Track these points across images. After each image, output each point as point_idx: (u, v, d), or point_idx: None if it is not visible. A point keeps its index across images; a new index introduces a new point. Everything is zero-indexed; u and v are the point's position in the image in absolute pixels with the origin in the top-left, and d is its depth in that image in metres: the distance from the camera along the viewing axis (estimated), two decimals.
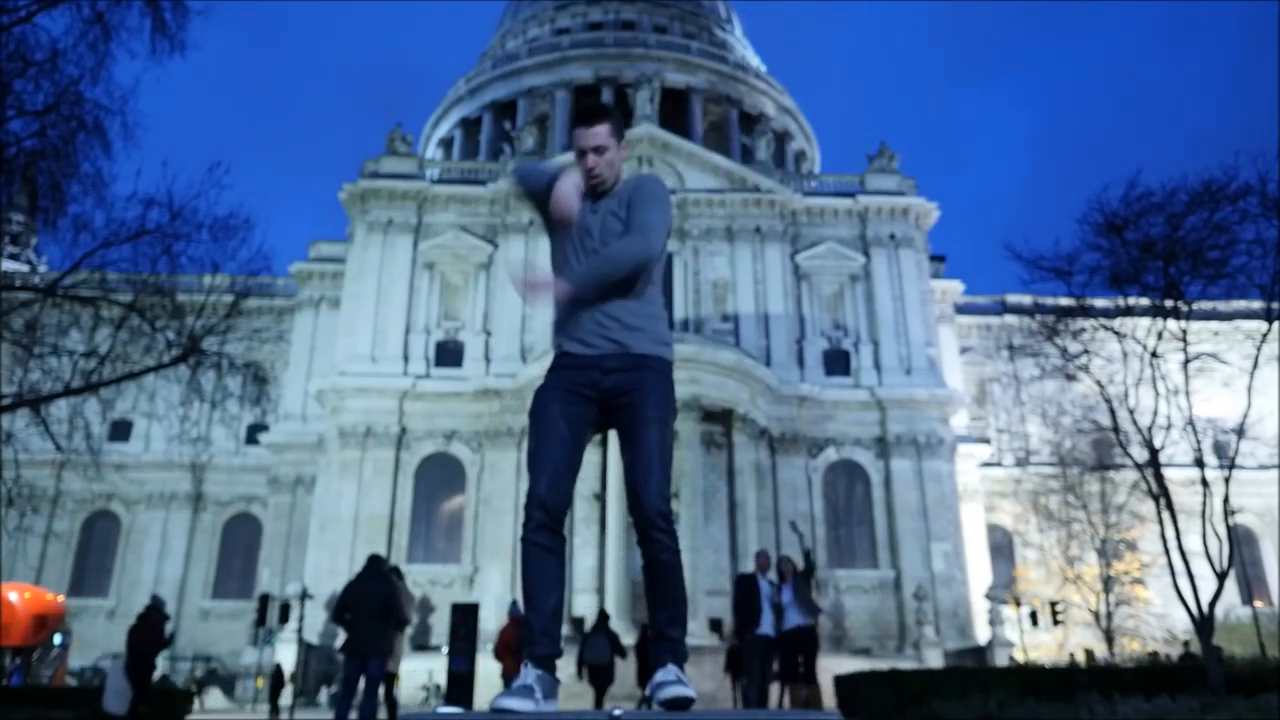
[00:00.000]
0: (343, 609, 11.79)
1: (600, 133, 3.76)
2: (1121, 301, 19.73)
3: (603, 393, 3.62)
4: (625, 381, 3.59)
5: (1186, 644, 31.29)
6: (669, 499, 3.55)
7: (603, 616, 19.08)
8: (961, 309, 56.23)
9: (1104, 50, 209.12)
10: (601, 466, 37.39)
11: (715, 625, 35.51)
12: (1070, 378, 21.36)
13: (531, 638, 3.46)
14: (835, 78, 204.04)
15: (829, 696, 17.64)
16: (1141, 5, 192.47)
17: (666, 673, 3.38)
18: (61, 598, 26.98)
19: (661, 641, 3.50)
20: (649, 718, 3.26)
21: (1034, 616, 39.52)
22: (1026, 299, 33.45)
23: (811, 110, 68.00)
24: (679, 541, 3.55)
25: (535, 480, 3.54)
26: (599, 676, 17.21)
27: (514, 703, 3.25)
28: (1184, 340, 17.96)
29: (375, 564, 12.22)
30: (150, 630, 15.11)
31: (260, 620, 33.90)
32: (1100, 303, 21.26)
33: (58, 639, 23.71)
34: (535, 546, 3.51)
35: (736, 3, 74.67)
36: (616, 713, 3.21)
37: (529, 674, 3.38)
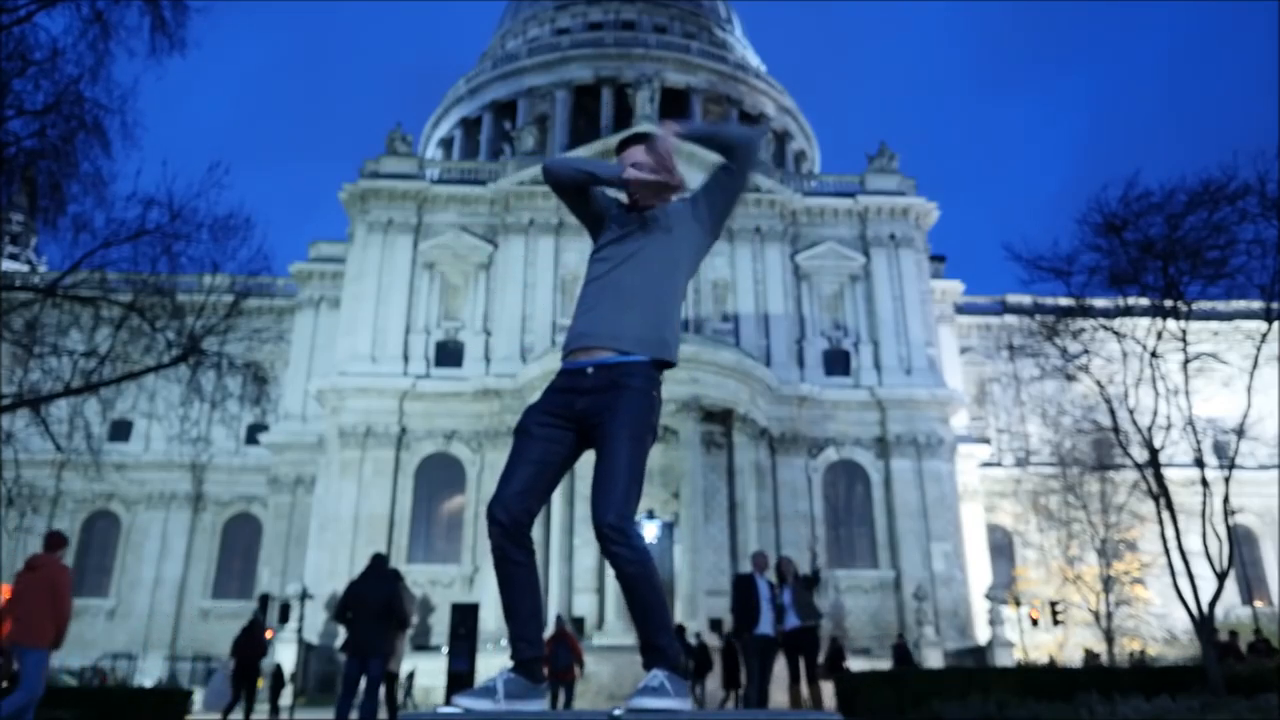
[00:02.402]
0: (344, 608, 11.81)
1: (636, 153, 3.83)
2: (1121, 301, 19.70)
3: (577, 416, 3.64)
4: (599, 403, 3.60)
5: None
6: (626, 513, 3.49)
7: (679, 630, 20.84)
8: (961, 309, 56.25)
9: (1132, 58, 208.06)
10: None
11: (715, 625, 35.51)
12: (1070, 378, 21.32)
13: (511, 643, 3.53)
14: (837, 78, 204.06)
15: (829, 696, 17.64)
16: (1181, 9, 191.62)
17: (651, 678, 3.36)
18: None
19: (650, 651, 3.49)
20: (648, 718, 3.26)
21: (1034, 620, 39.54)
22: (1026, 299, 33.48)
23: (812, 110, 68.07)
24: (641, 550, 3.48)
25: (493, 499, 3.58)
26: None
27: (470, 701, 3.32)
28: (1184, 340, 17.93)
29: (379, 563, 12.24)
30: (254, 642, 18.11)
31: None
32: (1100, 303, 21.23)
33: None
34: (500, 559, 3.57)
35: (736, 3, 74.71)
36: (616, 712, 3.22)
37: (497, 675, 3.43)
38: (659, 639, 3.48)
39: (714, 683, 22.55)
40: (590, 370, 3.65)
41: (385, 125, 78.92)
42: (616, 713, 3.21)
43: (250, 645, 18.07)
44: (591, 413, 3.61)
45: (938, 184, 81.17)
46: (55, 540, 10.39)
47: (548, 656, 17.95)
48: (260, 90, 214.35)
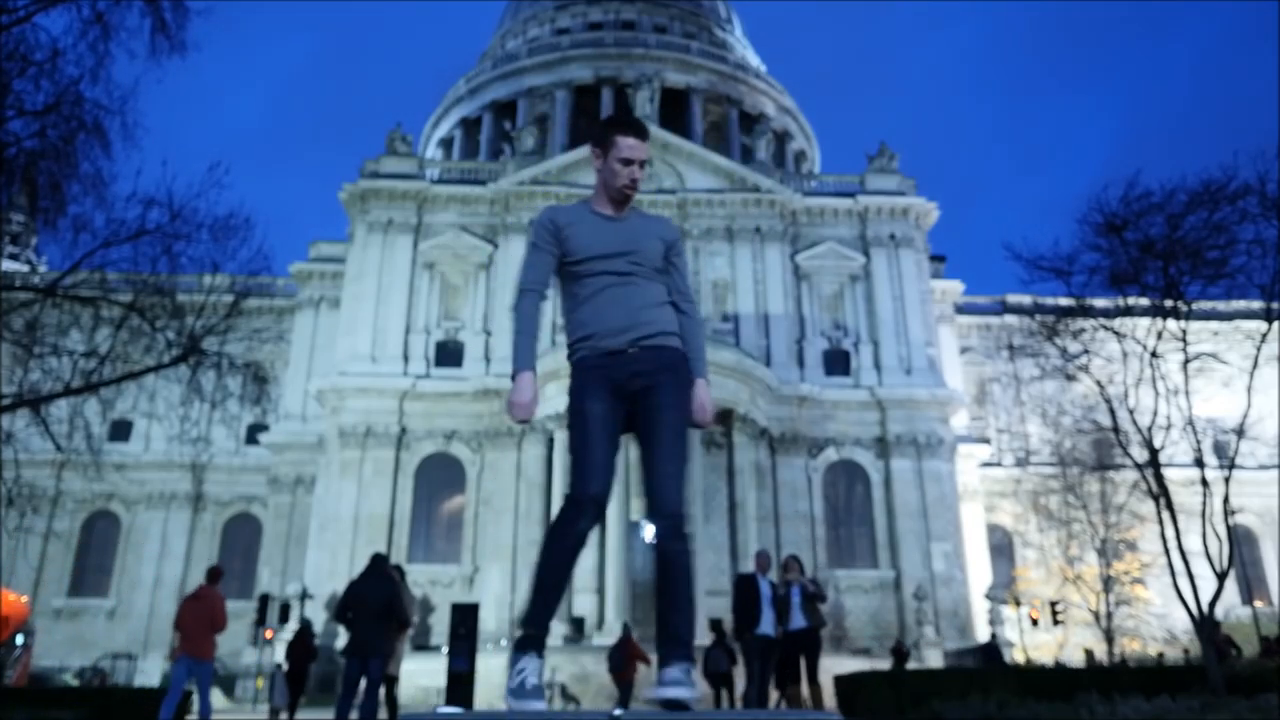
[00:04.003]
0: (344, 608, 11.80)
1: (647, 148, 4.01)
2: (1121, 301, 19.70)
3: (630, 395, 3.76)
4: (650, 384, 3.74)
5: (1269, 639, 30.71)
6: (687, 502, 3.69)
7: (720, 632, 21.74)
8: (961, 309, 56.26)
9: (1157, 62, 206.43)
10: None
11: (715, 625, 35.50)
12: (1070, 378, 21.33)
13: (538, 619, 3.59)
14: (837, 78, 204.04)
15: (829, 696, 17.63)
16: (1204, 12, 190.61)
17: (672, 671, 3.44)
18: (25, 598, 27.06)
19: (673, 643, 3.53)
20: (649, 718, 3.28)
21: (1034, 620, 39.52)
22: (1026, 299, 33.47)
23: (812, 110, 68.05)
24: (693, 543, 3.63)
25: (588, 480, 3.65)
26: (719, 683, 19.81)
27: (533, 704, 3.44)
28: (1184, 340, 17.92)
29: (378, 563, 12.22)
30: (304, 646, 19.53)
31: (260, 620, 33.95)
32: (1100, 303, 21.22)
33: (19, 639, 24.04)
34: (578, 540, 3.64)
35: (736, 2, 74.71)
36: (616, 712, 3.24)
37: (530, 666, 3.49)
38: (687, 633, 3.55)
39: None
40: (634, 350, 3.76)
41: (384, 126, 78.86)
42: (617, 713, 3.23)
43: (302, 650, 19.32)
44: (644, 392, 3.74)
45: (938, 184, 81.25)
46: (215, 573, 12.92)
47: (610, 657, 21.70)
48: (263, 92, 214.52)
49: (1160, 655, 37.72)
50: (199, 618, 12.24)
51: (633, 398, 3.74)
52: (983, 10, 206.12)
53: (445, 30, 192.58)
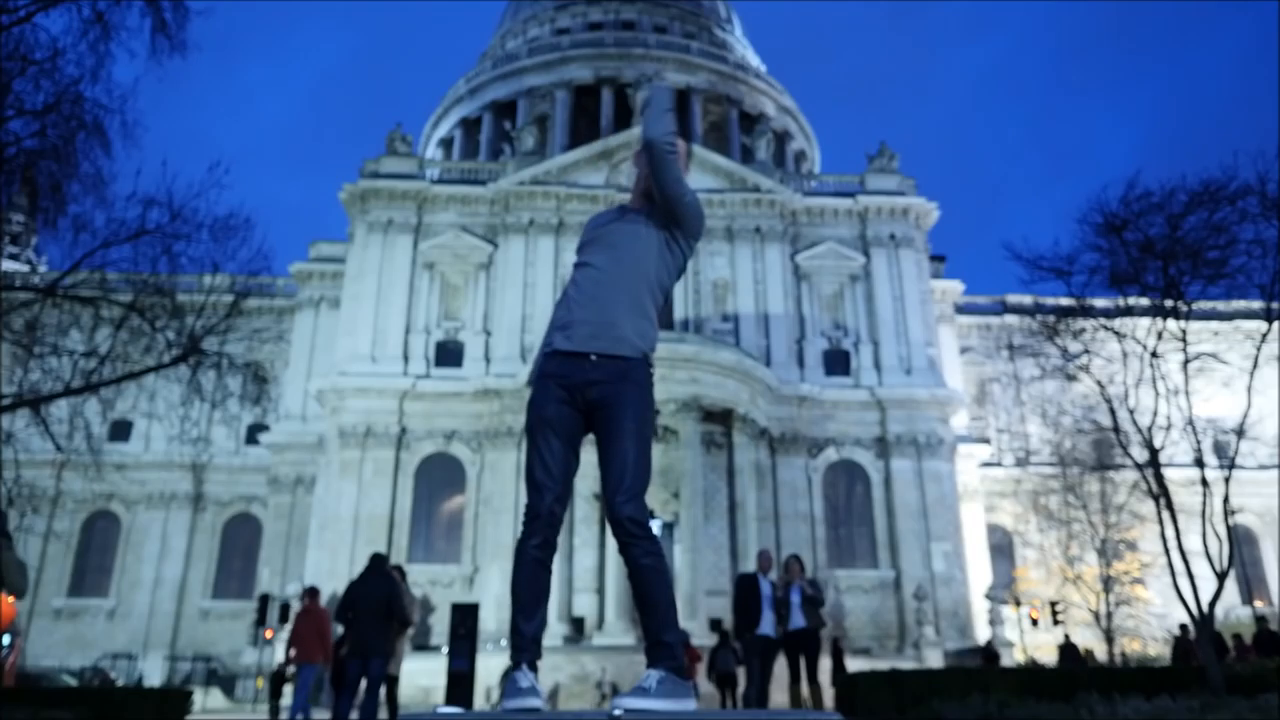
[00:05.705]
0: (345, 608, 11.81)
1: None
2: (1121, 301, 19.69)
3: (588, 403, 3.71)
4: (606, 394, 3.67)
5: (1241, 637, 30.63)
6: (643, 505, 3.58)
7: (725, 633, 22.07)
8: (961, 309, 56.26)
9: (1171, 64, 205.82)
10: None
11: (715, 625, 35.53)
12: (1070, 378, 21.31)
13: (524, 645, 3.58)
14: (837, 78, 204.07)
15: (829, 696, 17.62)
16: (1222, 12, 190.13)
17: (645, 678, 3.42)
18: (12, 598, 27.12)
19: (656, 648, 3.50)
20: (649, 717, 3.28)
21: (1034, 620, 39.52)
22: (1026, 299, 33.49)
23: (812, 110, 68.04)
24: (658, 544, 3.59)
25: (539, 495, 3.64)
26: (727, 683, 20.45)
27: (535, 701, 3.43)
28: (1184, 340, 17.90)
29: (378, 563, 12.24)
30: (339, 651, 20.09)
31: (260, 620, 33.95)
32: (1100, 303, 21.21)
33: (6, 639, 24.15)
34: (534, 560, 3.63)
35: (736, 2, 74.71)
36: (616, 713, 3.23)
37: (521, 675, 3.50)
38: (666, 635, 3.50)
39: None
40: (594, 358, 3.71)
41: (384, 126, 78.86)
42: (616, 713, 3.22)
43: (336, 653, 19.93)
44: (601, 401, 3.69)
45: (937, 184, 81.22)
46: (313, 592, 14.72)
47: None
48: (293, 91, 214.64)
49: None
50: (309, 629, 13.85)
51: (590, 406, 3.70)
52: (1006, 15, 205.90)
53: (448, 30, 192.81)
